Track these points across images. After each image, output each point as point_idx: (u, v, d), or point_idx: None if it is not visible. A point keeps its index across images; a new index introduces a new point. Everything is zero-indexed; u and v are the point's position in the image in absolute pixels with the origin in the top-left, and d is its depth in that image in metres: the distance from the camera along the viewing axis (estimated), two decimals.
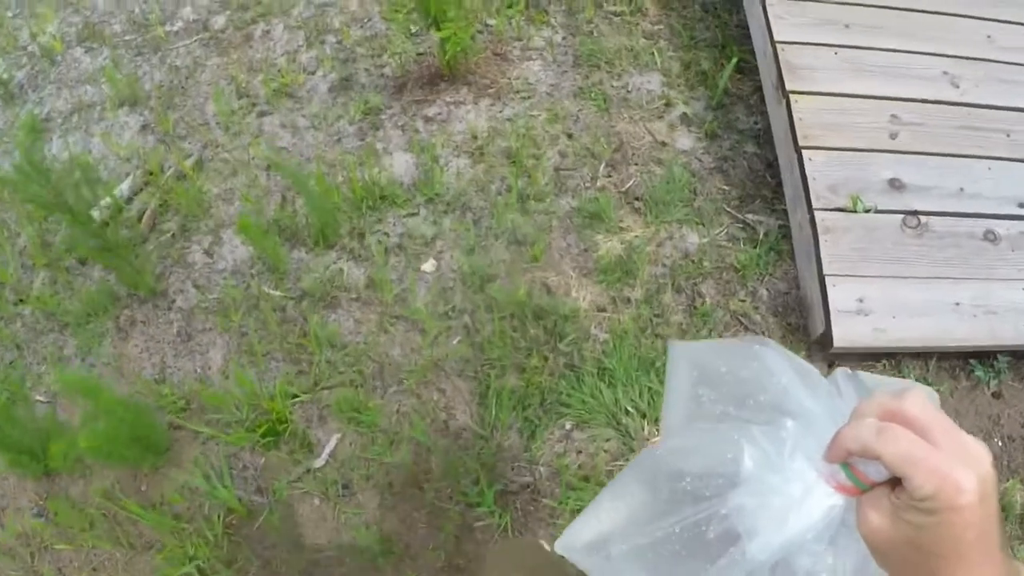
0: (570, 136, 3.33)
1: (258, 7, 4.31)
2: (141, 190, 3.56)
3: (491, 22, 3.89)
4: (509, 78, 3.55)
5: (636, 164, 3.09)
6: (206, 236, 3.36)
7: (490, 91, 3.52)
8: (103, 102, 3.98)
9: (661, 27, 3.75)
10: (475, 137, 3.38)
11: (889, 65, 2.99)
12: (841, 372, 0.59)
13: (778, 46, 2.93)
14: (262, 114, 3.76)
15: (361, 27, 4.06)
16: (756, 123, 3.13)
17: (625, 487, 0.63)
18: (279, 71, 3.93)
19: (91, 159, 3.68)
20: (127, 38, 4.36)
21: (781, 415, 0.56)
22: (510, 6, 3.98)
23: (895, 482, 0.47)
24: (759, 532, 0.53)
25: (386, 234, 3.15)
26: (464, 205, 3.15)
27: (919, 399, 0.47)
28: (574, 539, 0.64)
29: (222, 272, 3.22)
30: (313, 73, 3.88)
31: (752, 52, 3.09)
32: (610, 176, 3.16)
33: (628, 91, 3.45)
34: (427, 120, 3.49)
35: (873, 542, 0.49)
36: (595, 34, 3.75)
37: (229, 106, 3.84)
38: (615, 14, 3.84)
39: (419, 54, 3.80)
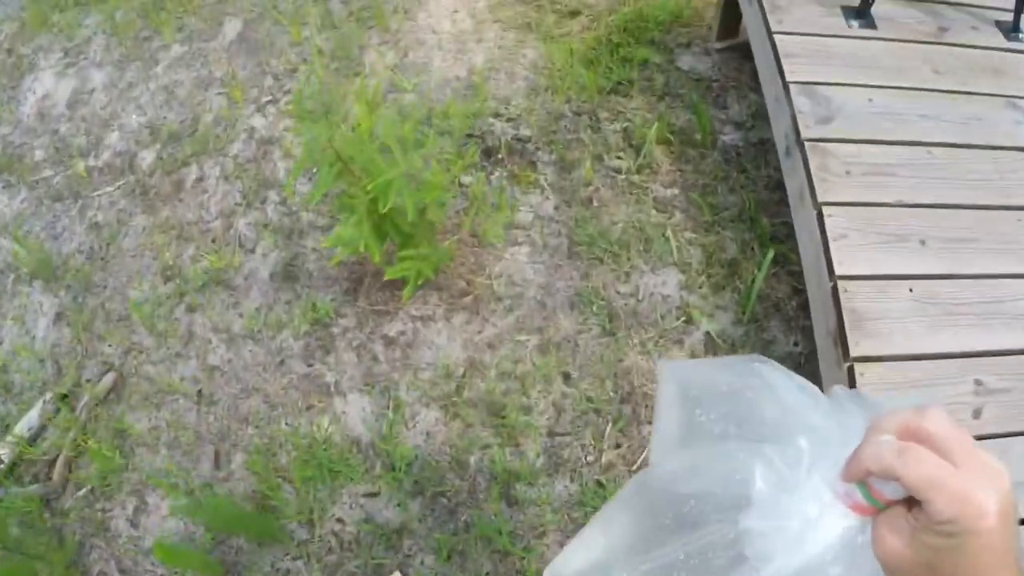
0: (567, 377, 2.49)
1: (191, 142, 3.38)
2: (53, 416, 2.78)
3: (466, 180, 2.97)
4: (489, 275, 2.68)
5: (650, 422, 2.25)
6: (130, 496, 2.59)
7: (466, 298, 2.66)
8: (16, 270, 3.24)
9: (675, 191, 2.85)
10: (448, 375, 2.55)
11: (979, 301, 2.12)
12: (840, 389, 0.54)
13: (840, 285, 2.05)
14: (192, 308, 2.93)
15: (308, 178, 3.14)
16: (796, 344, 2.29)
17: (618, 514, 0.59)
18: (212, 241, 3.06)
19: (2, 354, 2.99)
20: (46, 174, 3.49)
21: (790, 433, 0.50)
22: (489, 155, 3.04)
23: (911, 501, 0.44)
24: (774, 557, 0.48)
25: (341, 521, 2.35)
26: (437, 484, 2.41)
27: (940, 416, 0.44)
28: (564, 568, 0.60)
29: (149, 554, 2.45)
30: (252, 251, 3.02)
31: (790, 238, 2.52)
32: (618, 446, 2.35)
33: (638, 299, 2.59)
34: (388, 342, 2.65)
35: (889, 564, 0.46)
36: (595, 202, 2.85)
37: (155, 292, 2.99)
38: (617, 171, 2.92)
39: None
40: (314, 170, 2.92)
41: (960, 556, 0.42)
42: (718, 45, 3.23)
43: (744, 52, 3.23)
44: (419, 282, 2.45)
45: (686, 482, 0.53)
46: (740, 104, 3.10)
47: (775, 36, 2.46)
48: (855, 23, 2.52)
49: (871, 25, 2.53)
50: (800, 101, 2.31)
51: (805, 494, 0.48)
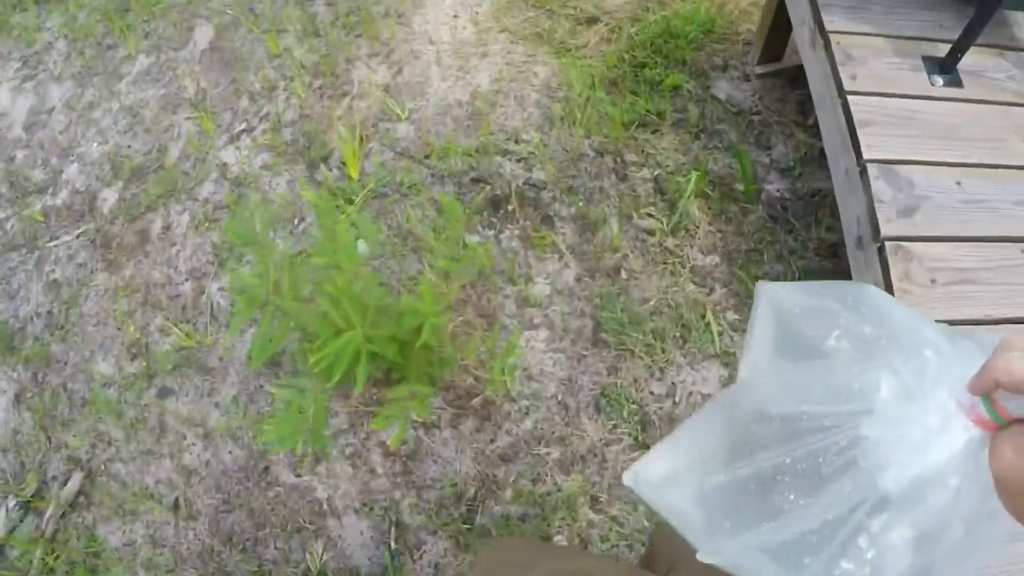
0: (594, 501, 2.05)
1: (157, 180, 2.87)
2: (19, 524, 2.40)
3: (473, 240, 2.47)
4: (503, 368, 2.19)
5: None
6: None
7: (475, 399, 2.20)
8: None
9: (715, 259, 2.35)
10: (457, 496, 2.12)
11: None
12: (945, 326, 0.50)
13: None
14: (164, 393, 2.48)
15: (291, 232, 2.64)
16: None
17: (711, 421, 0.56)
18: (183, 310, 2.59)
19: None
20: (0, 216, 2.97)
21: (912, 346, 0.48)
22: (498, 207, 2.54)
23: None
24: (892, 464, 0.46)
25: None
26: None
27: None
28: (646, 471, 0.57)
29: None
30: (227, 325, 2.52)
31: None
32: None
33: (675, 401, 2.15)
34: (386, 452, 2.20)
35: (1003, 479, 0.44)
36: (623, 273, 2.36)
37: (121, 372, 2.54)
38: (650, 233, 2.42)
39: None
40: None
41: None
42: (759, 69, 2.67)
43: (788, 79, 2.68)
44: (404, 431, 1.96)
45: (791, 395, 0.51)
46: (786, 144, 2.56)
47: (849, 98, 1.91)
48: (939, 79, 1.97)
49: (957, 82, 1.99)
50: (879, 186, 1.80)
51: (929, 405, 0.47)
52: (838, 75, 2.02)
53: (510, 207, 2.56)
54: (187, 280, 2.68)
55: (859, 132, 1.93)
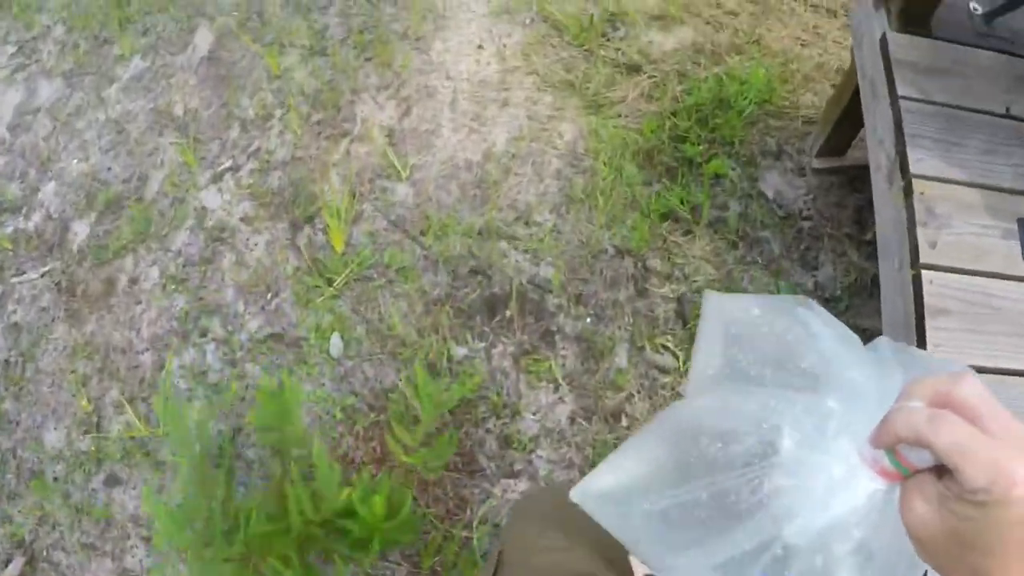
0: None
1: (130, 219, 2.52)
2: None
3: (460, 353, 2.08)
4: (471, 523, 1.84)
5: None
6: None
7: (437, 557, 1.84)
8: None
9: None
10: None
11: None
12: (884, 340, 0.51)
13: None
14: (112, 481, 2.21)
15: (261, 309, 2.28)
16: None
17: (650, 441, 0.56)
18: (140, 383, 2.30)
19: None
20: None
21: (824, 386, 0.49)
22: (494, 311, 2.14)
23: (941, 469, 0.42)
24: (797, 515, 0.46)
25: None
26: None
27: (974, 384, 0.41)
28: (591, 488, 0.57)
29: None
30: (190, 400, 2.21)
31: None
32: None
33: None
34: None
35: (916, 532, 0.43)
36: (624, 419, 2.00)
37: (72, 447, 2.27)
38: (663, 371, 2.02)
39: (354, 418, 2.10)
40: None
41: (990, 527, 0.39)
42: (817, 163, 2.18)
43: (849, 178, 2.19)
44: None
45: (717, 420, 0.51)
46: (835, 266, 2.07)
47: (924, 273, 1.47)
48: None
49: None
50: None
51: (831, 455, 0.46)
52: (915, 238, 1.55)
53: (508, 312, 2.13)
54: (147, 350, 2.33)
55: (927, 322, 1.46)
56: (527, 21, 2.77)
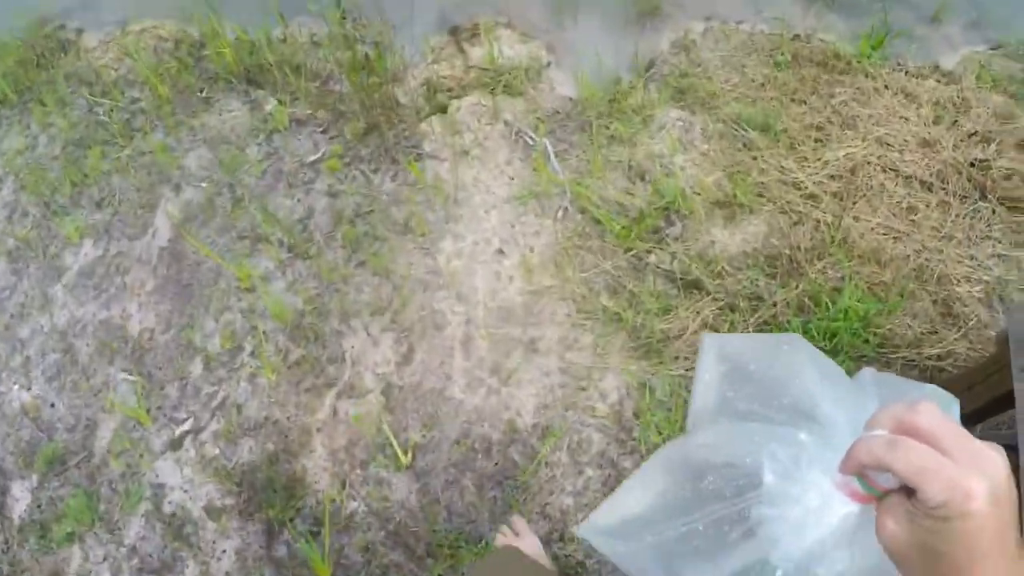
0: None
1: (76, 492, 1.99)
2: None
3: None
4: None
5: None
6: None
7: None
8: None
9: None
10: None
11: None
12: (867, 372, 0.55)
13: None
14: None
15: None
16: None
17: (652, 476, 0.58)
18: None
19: None
20: None
21: (803, 419, 0.52)
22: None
23: (909, 489, 0.43)
24: (780, 541, 0.49)
25: None
26: None
27: (930, 409, 0.43)
28: (597, 524, 0.60)
29: None
30: None
31: None
32: None
33: None
34: None
35: (891, 548, 0.45)
36: None
37: None
38: None
39: None
40: None
41: (955, 538, 0.41)
42: None
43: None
44: None
45: (711, 455, 0.52)
46: None
47: None
48: None
49: None
50: None
51: (807, 484, 0.47)
52: None
53: None
54: None
55: None
56: (559, 213, 2.05)
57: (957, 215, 2.08)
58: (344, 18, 2.74)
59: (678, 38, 2.57)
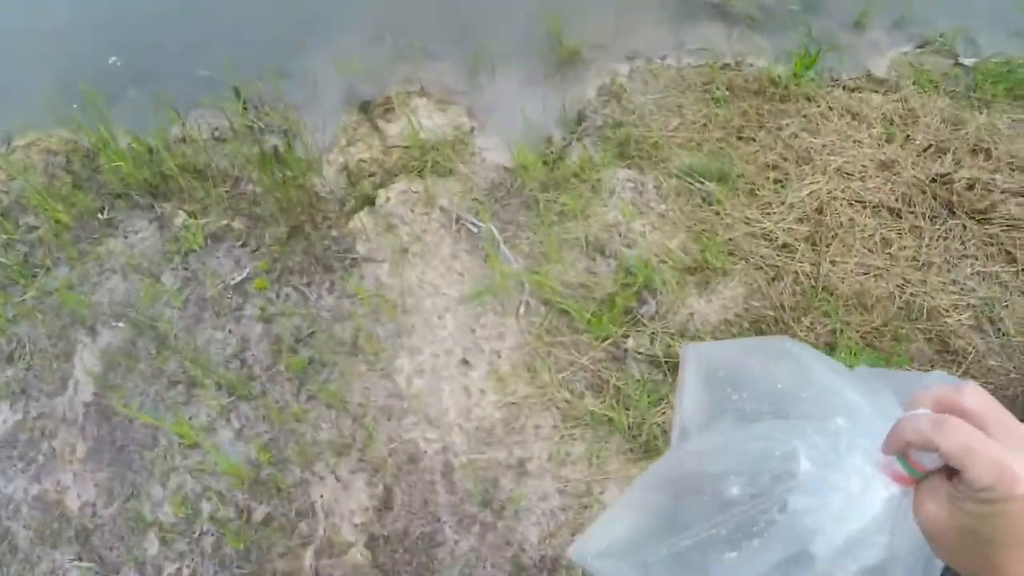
0: None
1: None
2: None
3: None
4: None
5: None
6: None
7: None
8: None
9: None
10: None
11: None
12: (863, 368, 0.54)
13: None
14: None
15: None
16: None
17: (645, 494, 0.55)
18: None
19: None
20: None
21: (826, 412, 0.49)
22: None
23: (951, 470, 0.42)
24: (822, 530, 0.47)
25: None
26: None
27: (976, 391, 0.42)
28: (590, 547, 0.56)
29: None
30: None
31: None
32: None
33: None
34: None
35: (929, 530, 0.44)
36: None
37: None
38: None
39: None
40: None
41: (998, 522, 0.39)
42: None
43: None
44: None
45: (718, 461, 0.50)
46: None
47: None
48: None
49: None
50: None
51: (848, 470, 0.46)
52: None
53: None
54: None
55: None
56: (520, 309, 1.84)
57: (931, 238, 1.96)
58: (246, 108, 2.46)
59: (604, 84, 2.38)
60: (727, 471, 0.49)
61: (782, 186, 2.03)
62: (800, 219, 1.96)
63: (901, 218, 1.99)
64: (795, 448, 0.47)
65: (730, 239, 1.91)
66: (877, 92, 2.31)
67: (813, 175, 2.05)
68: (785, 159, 2.08)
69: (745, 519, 0.47)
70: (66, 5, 2.73)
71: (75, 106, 2.39)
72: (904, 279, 1.90)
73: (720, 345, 0.60)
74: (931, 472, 0.43)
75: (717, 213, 1.96)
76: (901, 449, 0.43)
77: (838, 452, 0.46)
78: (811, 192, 2.01)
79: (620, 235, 1.96)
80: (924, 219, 2.00)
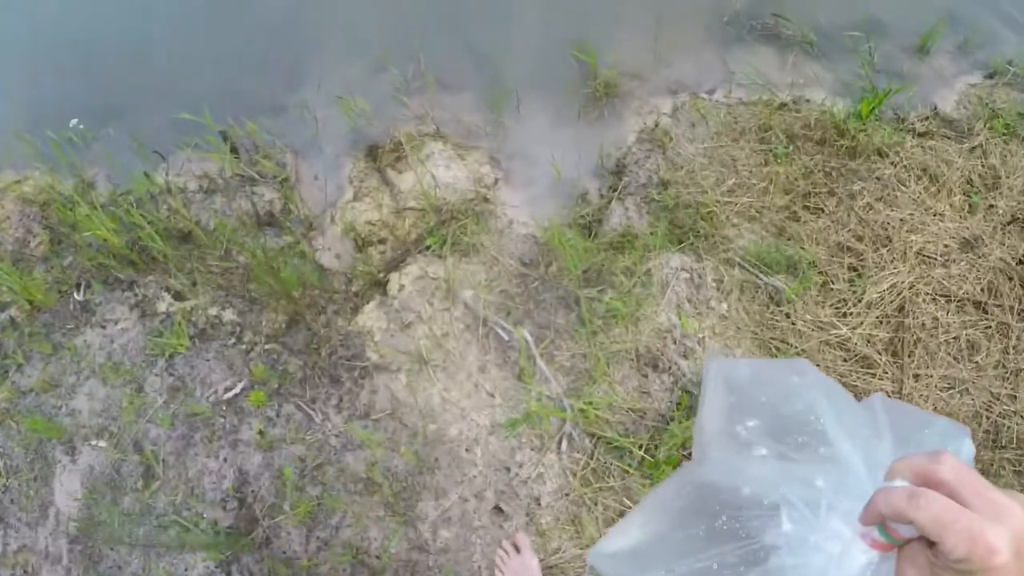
0: None
1: None
2: None
3: None
4: None
5: None
6: None
7: None
8: None
9: None
10: None
11: None
12: (878, 397, 0.51)
13: None
14: None
15: None
16: None
17: (660, 506, 0.54)
18: None
19: None
20: None
21: (819, 460, 0.48)
22: None
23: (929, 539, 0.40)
24: None
25: None
26: None
27: (951, 461, 0.40)
28: (605, 550, 0.55)
29: None
30: None
31: None
32: None
33: None
34: None
35: None
36: None
37: None
38: None
39: None
40: None
41: None
42: None
43: None
44: None
45: (722, 492, 0.49)
46: None
47: None
48: None
49: None
50: None
51: (827, 533, 0.44)
52: None
53: None
54: None
55: None
56: (562, 443, 1.54)
57: (1019, 338, 1.62)
58: (236, 154, 2.07)
59: (646, 126, 1.99)
60: (728, 504, 0.47)
61: (859, 275, 1.68)
62: (880, 320, 1.63)
63: (987, 313, 1.67)
64: (779, 502, 0.45)
65: (803, 350, 1.56)
66: (950, 139, 1.93)
67: (892, 262, 1.69)
68: (860, 238, 1.73)
69: (735, 558, 0.46)
70: (29, 45, 2.30)
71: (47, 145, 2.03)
72: (991, 394, 1.58)
73: (743, 364, 0.53)
74: (910, 540, 0.40)
75: (787, 315, 1.61)
76: (877, 521, 0.41)
77: (817, 514, 0.45)
78: (891, 286, 1.66)
79: (675, 342, 1.61)
80: (1011, 313, 1.68)
